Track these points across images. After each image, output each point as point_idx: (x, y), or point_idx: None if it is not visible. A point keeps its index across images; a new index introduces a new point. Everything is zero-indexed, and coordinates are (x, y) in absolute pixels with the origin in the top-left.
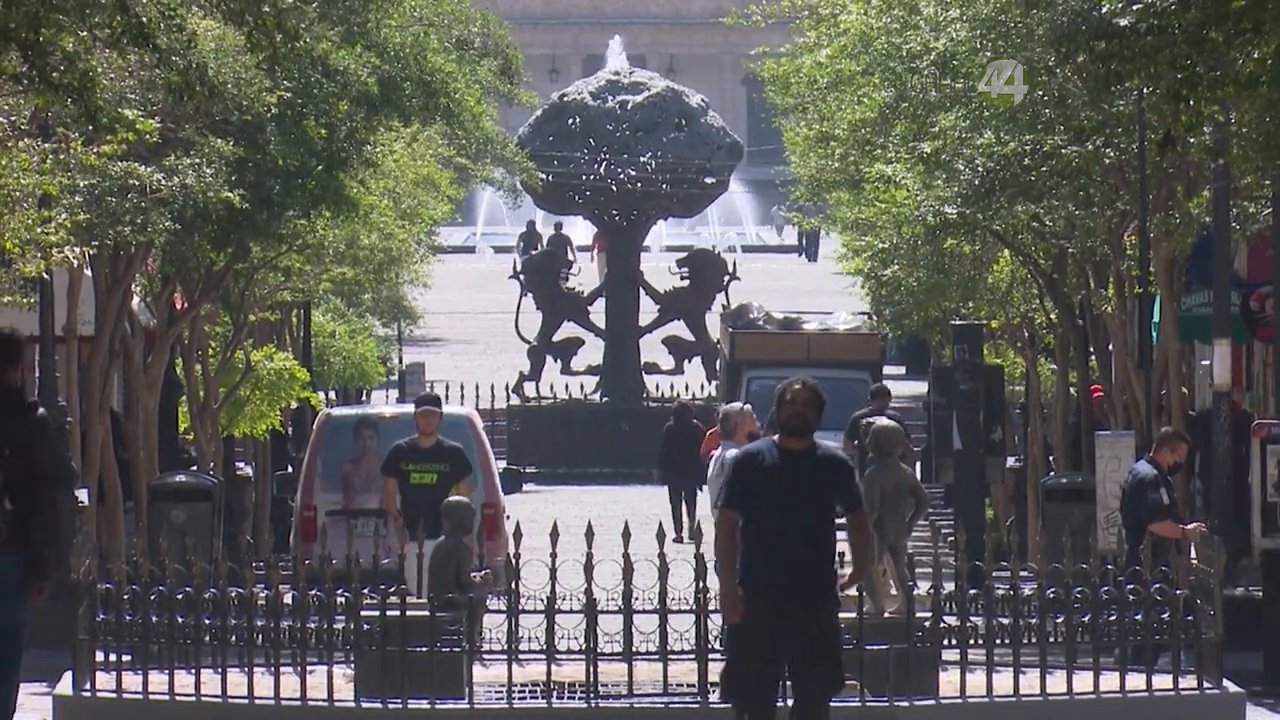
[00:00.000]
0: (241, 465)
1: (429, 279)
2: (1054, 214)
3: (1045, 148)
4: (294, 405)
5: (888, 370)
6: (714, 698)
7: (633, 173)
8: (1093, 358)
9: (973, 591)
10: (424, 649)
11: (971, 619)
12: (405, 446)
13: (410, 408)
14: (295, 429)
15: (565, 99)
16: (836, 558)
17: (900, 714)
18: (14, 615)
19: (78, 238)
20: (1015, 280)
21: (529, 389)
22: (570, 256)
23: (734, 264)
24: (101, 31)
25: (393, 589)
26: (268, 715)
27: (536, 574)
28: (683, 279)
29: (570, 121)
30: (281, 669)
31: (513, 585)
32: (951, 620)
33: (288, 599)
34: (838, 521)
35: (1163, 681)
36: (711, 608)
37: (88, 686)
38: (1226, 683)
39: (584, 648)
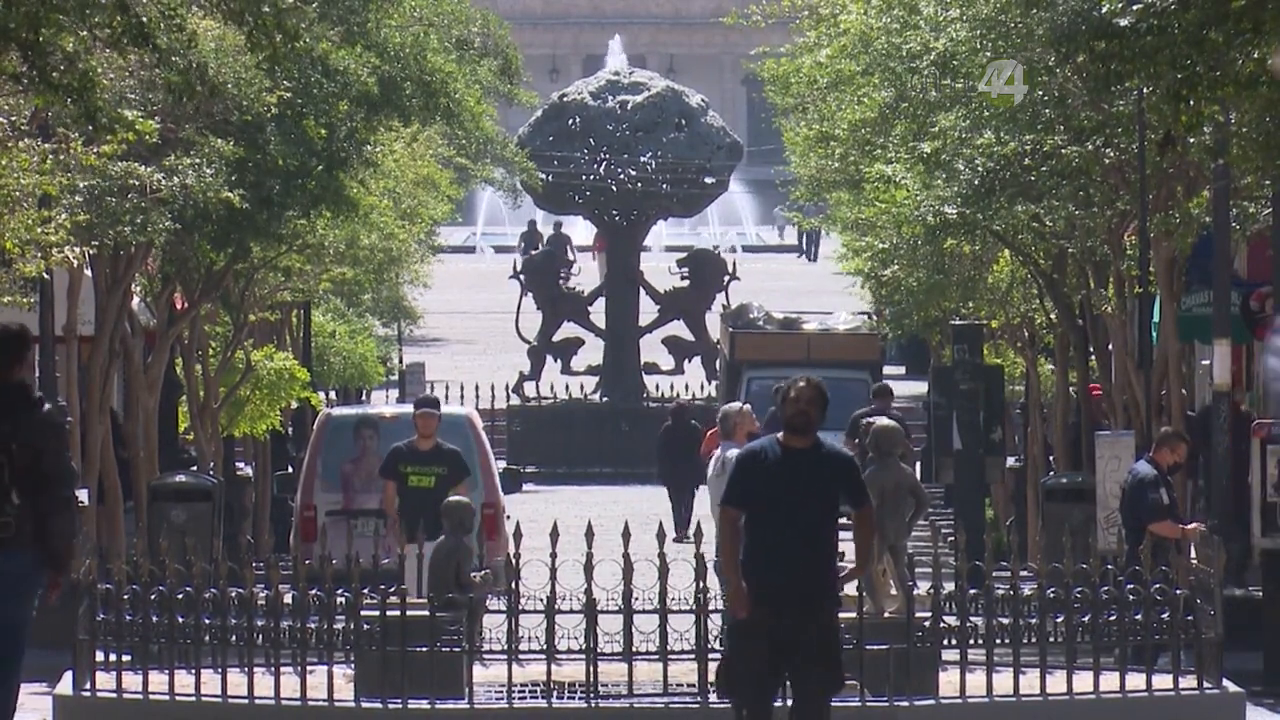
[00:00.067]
0: (241, 465)
1: (429, 279)
2: (1054, 214)
3: (1045, 148)
4: (294, 405)
5: (888, 370)
6: (714, 697)
7: (633, 173)
8: (1093, 358)
9: (973, 591)
10: (424, 649)
11: (971, 619)
12: (404, 449)
13: (410, 408)
14: (295, 429)
15: (565, 99)
16: (838, 557)
17: (900, 714)
18: (18, 612)
19: (78, 238)
20: (1015, 280)
21: (529, 389)
22: (570, 256)
23: (734, 264)
24: (101, 31)
25: (393, 589)
26: (268, 715)
27: (536, 574)
28: (683, 279)
29: (570, 121)
30: (281, 669)
31: (513, 585)
32: (951, 620)
33: (288, 599)
34: (841, 521)
35: (1163, 681)
36: (711, 608)
37: (88, 686)
38: (1226, 683)
39: (584, 648)
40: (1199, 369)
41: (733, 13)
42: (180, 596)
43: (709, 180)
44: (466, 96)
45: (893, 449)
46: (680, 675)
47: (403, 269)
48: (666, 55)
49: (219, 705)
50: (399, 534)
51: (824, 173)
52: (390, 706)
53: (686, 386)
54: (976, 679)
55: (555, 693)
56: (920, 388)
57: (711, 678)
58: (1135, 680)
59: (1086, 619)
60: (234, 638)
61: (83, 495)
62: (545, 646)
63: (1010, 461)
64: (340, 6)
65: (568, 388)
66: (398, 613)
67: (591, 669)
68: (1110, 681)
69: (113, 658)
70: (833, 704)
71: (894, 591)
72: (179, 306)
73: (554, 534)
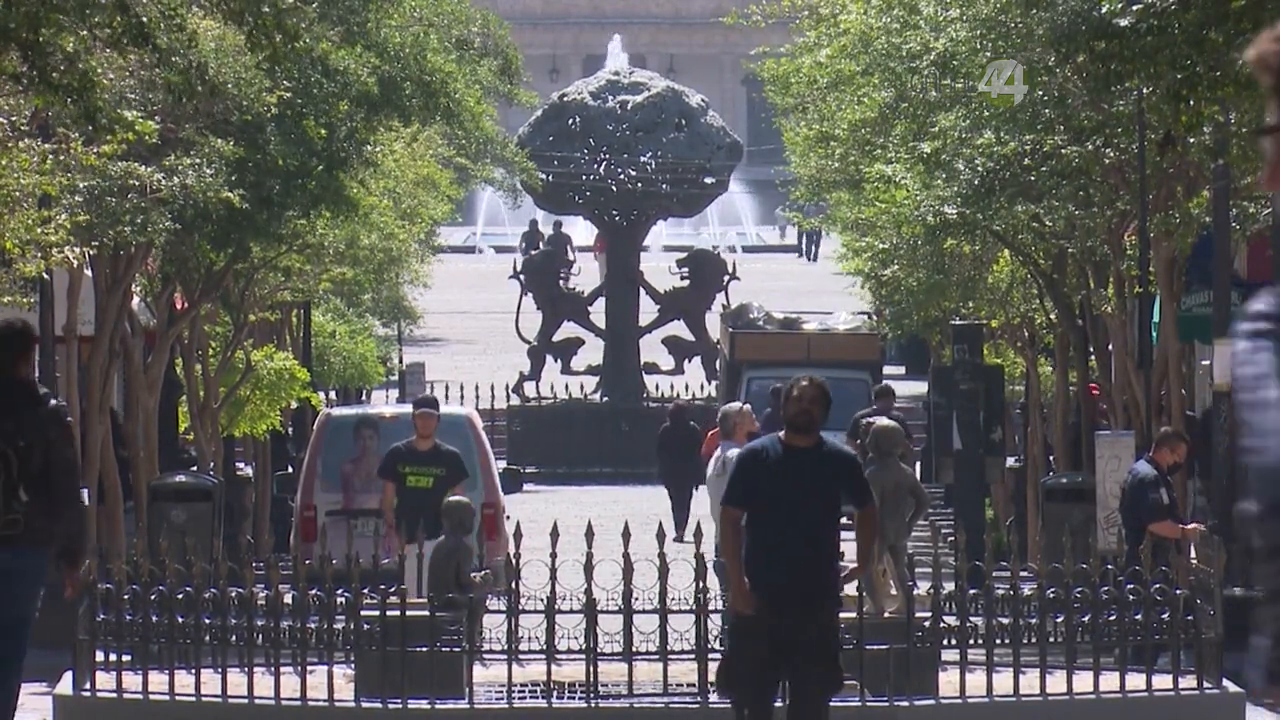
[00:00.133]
0: (241, 465)
1: (429, 279)
2: (1054, 214)
3: (1045, 148)
4: (294, 405)
5: (888, 370)
6: (714, 697)
7: (633, 173)
8: (1093, 358)
9: (973, 591)
10: (424, 649)
11: (971, 619)
12: (403, 449)
13: (410, 408)
14: (295, 429)
15: (565, 99)
16: (839, 557)
17: (900, 714)
18: (24, 610)
19: (78, 238)
20: (1015, 280)
21: (529, 389)
22: (570, 256)
23: (734, 264)
24: (101, 31)
25: (392, 589)
26: (268, 715)
27: (536, 574)
28: (683, 279)
29: (570, 121)
30: (281, 669)
31: (513, 585)
32: (951, 620)
33: (288, 599)
34: (843, 520)
35: (1163, 681)
36: (711, 608)
37: (88, 686)
38: (1226, 683)
39: (584, 648)
40: (1199, 369)
41: (733, 13)
42: (180, 596)
43: (709, 180)
44: (466, 96)
45: (893, 449)
46: (680, 675)
47: (403, 269)
48: (666, 55)
49: (219, 705)
50: (399, 535)
51: (824, 173)
52: (390, 706)
53: (686, 386)
54: (976, 679)
55: (555, 693)
56: (920, 388)
57: (712, 677)
58: (1135, 680)
59: (1086, 619)
60: (234, 638)
61: (83, 495)
62: (545, 646)
63: (1010, 461)
64: (340, 6)
65: (568, 388)
66: (398, 613)
67: (591, 669)
68: (1110, 681)
69: (113, 658)
70: (833, 704)
71: (894, 591)
72: (179, 306)
73: (554, 534)
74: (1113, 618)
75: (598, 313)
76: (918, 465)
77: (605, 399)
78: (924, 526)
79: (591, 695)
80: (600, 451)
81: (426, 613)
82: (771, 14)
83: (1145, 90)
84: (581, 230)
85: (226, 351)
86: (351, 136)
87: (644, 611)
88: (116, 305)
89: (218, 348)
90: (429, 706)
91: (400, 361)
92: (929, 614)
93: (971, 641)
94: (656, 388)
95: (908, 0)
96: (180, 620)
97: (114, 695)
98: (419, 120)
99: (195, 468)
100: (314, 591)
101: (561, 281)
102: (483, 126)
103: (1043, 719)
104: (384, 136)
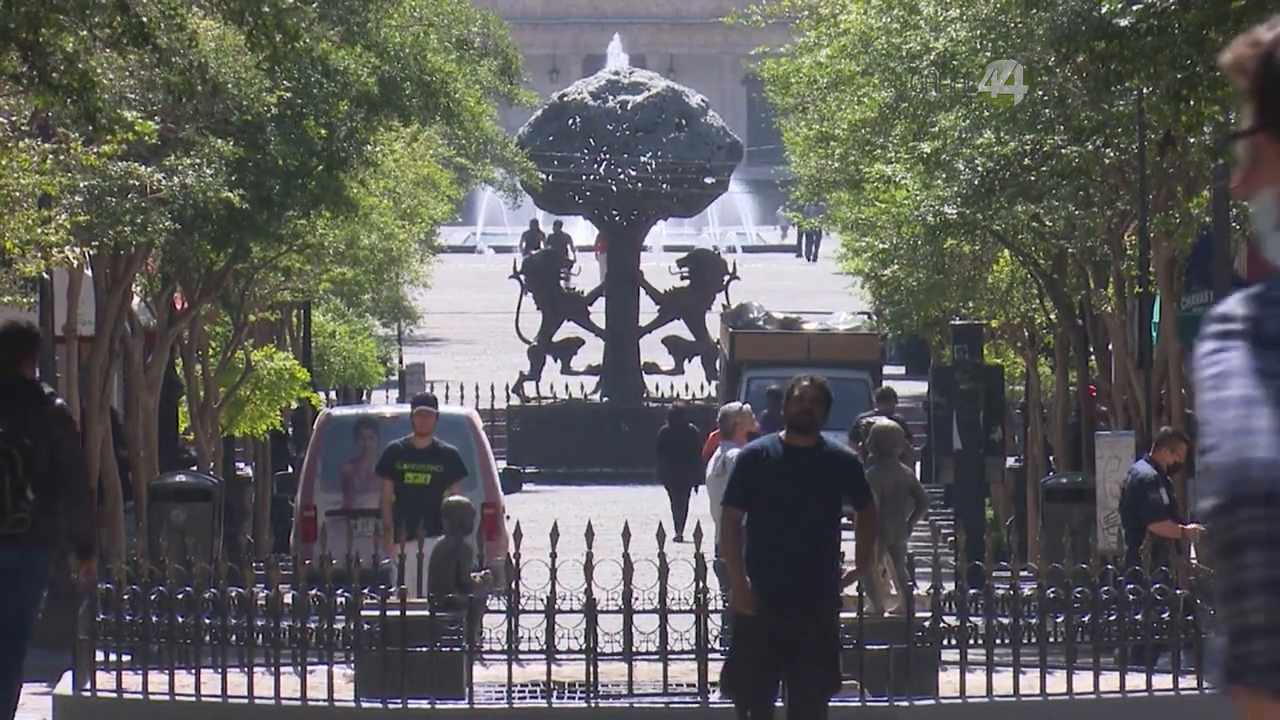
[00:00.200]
0: (241, 465)
1: (429, 279)
2: (1054, 214)
3: (1045, 148)
4: (294, 405)
5: (888, 370)
6: (714, 697)
7: (633, 173)
8: (1093, 358)
9: (973, 591)
10: (424, 649)
11: (971, 619)
12: (401, 446)
13: (409, 408)
14: (295, 429)
15: (565, 99)
16: (840, 556)
17: (900, 714)
18: (28, 609)
19: (78, 238)
20: (1015, 280)
21: (529, 389)
22: (570, 256)
23: (734, 264)
24: (101, 31)
25: (391, 589)
26: (268, 715)
27: (536, 574)
28: (683, 279)
29: (570, 121)
30: (281, 669)
31: (513, 585)
32: (951, 620)
33: (288, 599)
34: (843, 520)
35: (1163, 681)
36: (711, 608)
37: (88, 686)
38: None
39: (584, 648)
40: None
41: (733, 13)
42: (180, 596)
43: (709, 180)
44: (466, 96)
45: (893, 449)
46: (680, 675)
47: (403, 269)
48: (666, 55)
49: (219, 705)
50: (400, 533)
51: (824, 173)
52: (390, 706)
53: (686, 386)
54: (976, 679)
55: (555, 693)
56: (920, 388)
57: (714, 678)
58: (1135, 680)
59: (1086, 619)
60: (234, 638)
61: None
62: (545, 646)
63: (1010, 461)
64: (340, 6)
65: (568, 388)
66: (398, 613)
67: (591, 669)
68: (1110, 681)
69: (113, 658)
70: (832, 704)
71: (894, 591)
72: (179, 306)
73: (554, 534)
74: (1113, 618)
75: (598, 313)
76: (918, 465)
77: (605, 399)
78: (924, 526)
79: (591, 695)
80: (600, 451)
81: (426, 613)
82: (771, 14)
83: (1145, 90)
84: (582, 230)
85: (226, 351)
86: (351, 136)
87: (644, 611)
88: (116, 305)
89: (218, 348)
90: (429, 706)
91: (400, 361)
92: (929, 614)
93: (971, 641)
94: (656, 388)
95: (908, 0)
96: (180, 620)
97: (114, 695)
98: (419, 120)
99: (195, 468)
100: (314, 591)
101: (561, 281)
102: (483, 126)
103: (1043, 719)
104: (384, 136)
